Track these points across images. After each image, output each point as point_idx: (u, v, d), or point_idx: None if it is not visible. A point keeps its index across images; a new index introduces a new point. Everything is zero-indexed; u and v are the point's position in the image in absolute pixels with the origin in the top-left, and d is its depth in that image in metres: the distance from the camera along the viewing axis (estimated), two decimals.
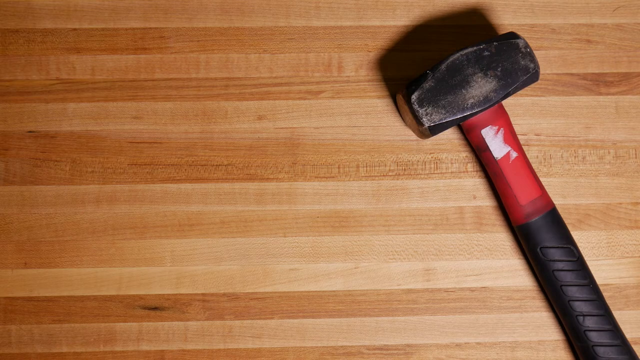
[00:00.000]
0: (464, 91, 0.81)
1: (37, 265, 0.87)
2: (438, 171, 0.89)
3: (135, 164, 0.88)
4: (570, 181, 0.89)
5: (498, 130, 0.83)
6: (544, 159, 0.89)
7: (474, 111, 0.81)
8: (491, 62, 0.81)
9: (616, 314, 0.88)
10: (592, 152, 0.89)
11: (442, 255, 0.88)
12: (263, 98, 0.89)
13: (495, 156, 0.84)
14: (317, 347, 0.87)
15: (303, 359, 0.87)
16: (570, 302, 0.83)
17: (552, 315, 0.88)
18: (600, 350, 0.83)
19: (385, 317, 0.87)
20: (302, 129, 0.89)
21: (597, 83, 0.89)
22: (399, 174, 0.88)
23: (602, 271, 0.88)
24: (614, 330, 0.83)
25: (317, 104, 0.89)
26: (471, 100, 0.81)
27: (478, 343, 0.88)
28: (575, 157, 0.89)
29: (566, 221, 0.88)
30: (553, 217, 0.84)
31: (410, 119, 0.84)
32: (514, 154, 0.83)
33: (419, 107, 0.81)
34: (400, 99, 0.84)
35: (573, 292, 0.83)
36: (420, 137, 0.85)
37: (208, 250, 0.88)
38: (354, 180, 0.88)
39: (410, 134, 0.89)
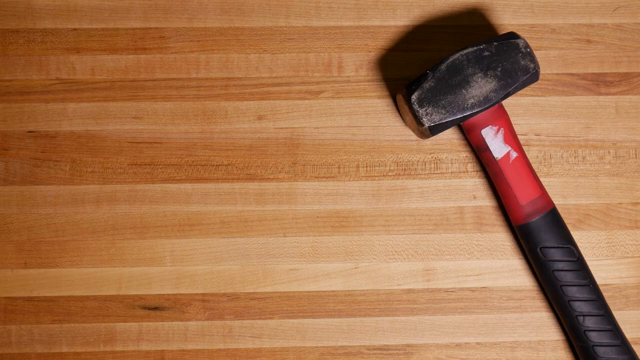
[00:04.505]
0: (464, 91, 0.81)
1: (37, 265, 0.87)
2: (438, 171, 0.89)
3: (135, 164, 0.88)
4: (570, 181, 0.89)
5: (498, 130, 0.83)
6: (544, 159, 0.89)
7: (474, 111, 0.81)
8: (491, 62, 0.81)
9: (616, 314, 0.88)
10: (592, 152, 0.89)
11: (442, 255, 0.88)
12: (263, 98, 0.89)
13: (495, 156, 0.84)
14: (317, 347, 0.87)
15: (303, 359, 0.87)
16: (570, 302, 0.83)
17: (552, 315, 0.88)
18: (600, 350, 0.83)
19: (385, 317, 0.87)
20: (302, 129, 0.89)
21: (597, 83, 0.89)
22: (399, 174, 0.88)
23: (602, 271, 0.88)
24: (614, 330, 0.83)
25: (317, 104, 0.89)
26: (471, 100, 0.81)
27: (478, 343, 0.88)
28: (575, 157, 0.89)
29: (566, 221, 0.88)
30: (553, 217, 0.84)
31: (410, 119, 0.84)
32: (514, 154, 0.83)
33: (419, 107, 0.81)
34: (400, 99, 0.84)
35: (573, 292, 0.83)
36: (420, 137, 0.85)
37: (208, 250, 0.88)
38: (354, 180, 0.88)
39: (410, 134, 0.89)
